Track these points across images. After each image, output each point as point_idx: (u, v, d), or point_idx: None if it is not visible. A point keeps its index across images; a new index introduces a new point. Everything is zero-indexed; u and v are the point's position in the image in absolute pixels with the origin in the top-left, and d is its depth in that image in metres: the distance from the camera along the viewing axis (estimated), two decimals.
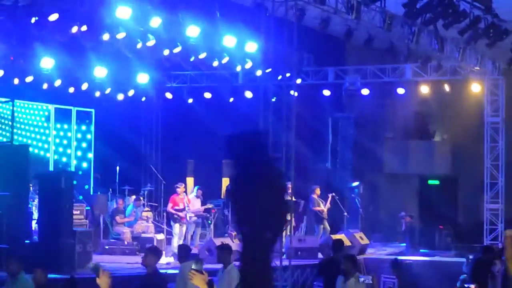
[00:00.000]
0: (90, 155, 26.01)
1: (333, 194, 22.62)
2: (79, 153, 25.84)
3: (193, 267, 6.40)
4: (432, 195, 26.80)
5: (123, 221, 21.04)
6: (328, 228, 22.09)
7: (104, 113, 25.41)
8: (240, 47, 19.84)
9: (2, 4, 15.95)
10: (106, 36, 17.43)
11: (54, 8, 15.95)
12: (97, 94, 24.29)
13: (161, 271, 16.13)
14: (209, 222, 21.32)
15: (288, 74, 18.63)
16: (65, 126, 25.59)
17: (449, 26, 18.09)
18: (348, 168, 26.58)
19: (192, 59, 20.84)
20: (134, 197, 22.31)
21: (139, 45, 18.50)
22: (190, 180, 27.34)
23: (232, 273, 11.29)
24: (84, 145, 25.93)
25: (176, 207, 19.79)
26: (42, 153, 24.87)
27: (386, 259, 19.60)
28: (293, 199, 19.25)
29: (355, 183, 26.11)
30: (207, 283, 6.57)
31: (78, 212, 19.20)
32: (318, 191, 22.60)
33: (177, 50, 19.60)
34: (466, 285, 14.97)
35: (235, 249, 19.36)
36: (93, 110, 25.93)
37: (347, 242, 19.64)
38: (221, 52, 20.77)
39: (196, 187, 22.22)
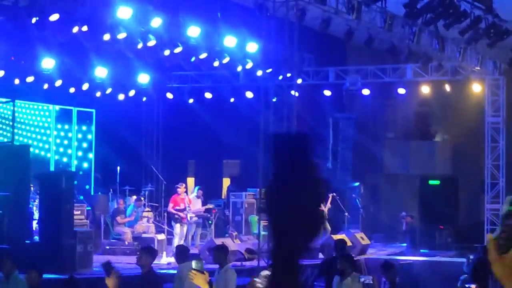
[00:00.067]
0: (91, 155, 26.02)
1: (334, 194, 22.61)
2: (79, 153, 25.85)
3: (193, 266, 6.40)
4: (432, 195, 26.78)
5: (124, 221, 21.04)
6: (329, 228, 22.09)
7: (105, 113, 25.42)
8: (240, 47, 19.84)
9: (2, 5, 15.96)
10: (106, 36, 17.44)
11: (54, 8, 15.95)
12: (98, 94, 24.30)
13: (162, 271, 16.21)
14: (210, 222, 21.32)
15: (288, 74, 18.64)
16: (66, 127, 25.60)
17: (449, 26, 18.10)
18: (348, 168, 26.58)
19: (193, 59, 20.84)
20: (135, 197, 22.31)
21: (139, 45, 18.50)
22: (190, 180, 27.36)
23: (229, 274, 11.29)
24: (84, 145, 25.94)
25: (177, 207, 19.79)
26: (43, 153, 24.88)
27: (387, 259, 19.59)
28: None
29: (356, 183, 26.11)
30: (208, 283, 6.58)
31: (79, 212, 19.20)
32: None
33: (177, 50, 19.60)
34: (466, 285, 14.95)
35: (235, 249, 19.43)
36: (94, 110, 25.94)
37: (348, 242, 19.63)
38: (221, 52, 20.77)
39: (196, 187, 22.23)
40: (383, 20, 18.39)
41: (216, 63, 21.60)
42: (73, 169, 24.74)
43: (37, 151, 24.39)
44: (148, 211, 22.15)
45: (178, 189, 20.07)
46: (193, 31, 18.00)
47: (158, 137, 27.77)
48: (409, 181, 27.62)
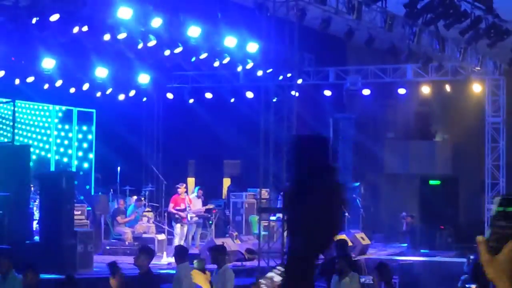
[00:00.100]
0: (91, 156, 26.02)
1: None
2: (80, 154, 25.85)
3: (195, 266, 6.42)
4: (433, 195, 26.80)
5: (125, 221, 21.05)
6: None
7: (105, 113, 25.41)
8: (241, 47, 19.85)
9: (3, 5, 15.96)
10: (107, 37, 17.45)
11: (55, 8, 15.95)
12: (98, 94, 24.30)
13: (162, 271, 16.22)
14: (210, 222, 21.32)
15: (289, 75, 18.63)
16: (66, 127, 25.60)
17: (450, 26, 18.10)
18: (349, 169, 26.56)
19: (193, 59, 20.85)
20: (135, 197, 22.31)
21: (140, 46, 18.51)
22: (191, 180, 27.37)
23: (226, 274, 11.29)
24: (85, 145, 25.94)
25: (178, 207, 19.79)
26: (43, 153, 24.89)
27: (387, 259, 19.59)
28: None
29: (356, 183, 26.11)
30: (209, 282, 6.59)
31: (79, 212, 19.19)
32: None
33: (178, 50, 19.61)
34: (467, 285, 14.95)
35: (235, 249, 19.43)
36: (94, 111, 25.94)
37: (348, 243, 19.62)
38: (222, 52, 20.78)
39: (196, 188, 22.24)
40: (383, 20, 18.39)
41: (216, 63, 21.61)
42: (74, 169, 24.74)
43: (37, 151, 24.39)
44: (148, 211, 22.16)
45: (179, 189, 20.07)
46: (193, 31, 18.00)
47: (159, 137, 27.77)
48: (409, 181, 27.63)
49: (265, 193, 18.45)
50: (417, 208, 26.94)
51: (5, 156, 17.47)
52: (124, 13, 16.31)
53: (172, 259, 17.86)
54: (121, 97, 25.12)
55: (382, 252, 23.12)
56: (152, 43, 18.45)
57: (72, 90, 23.39)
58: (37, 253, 15.28)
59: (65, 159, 25.40)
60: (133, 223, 21.13)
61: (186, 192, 20.48)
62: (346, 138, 26.58)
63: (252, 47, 19.88)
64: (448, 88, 24.53)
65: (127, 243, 20.25)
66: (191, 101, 26.29)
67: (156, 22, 17.19)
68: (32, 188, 18.61)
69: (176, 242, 19.03)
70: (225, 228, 23.05)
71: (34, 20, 15.77)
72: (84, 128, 25.96)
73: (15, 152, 18.16)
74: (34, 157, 24.04)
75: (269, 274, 9.83)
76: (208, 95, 25.91)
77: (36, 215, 18.24)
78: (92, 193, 24.44)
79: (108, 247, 20.09)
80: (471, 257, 16.73)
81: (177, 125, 26.94)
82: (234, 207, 23.28)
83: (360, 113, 26.63)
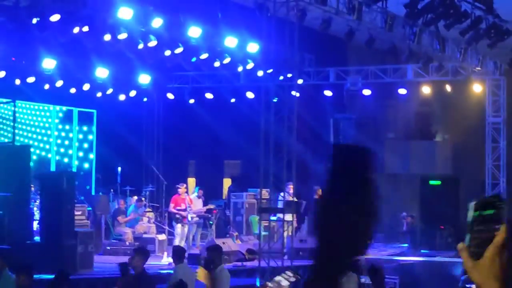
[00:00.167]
0: (92, 156, 26.03)
1: None
2: (80, 154, 25.86)
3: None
4: (433, 196, 26.74)
5: (126, 220, 21.06)
6: None
7: (105, 113, 25.42)
8: (241, 47, 19.86)
9: (3, 5, 15.97)
10: (107, 37, 17.45)
11: (55, 8, 15.96)
12: (99, 94, 24.31)
13: (163, 271, 16.23)
14: (211, 222, 21.31)
15: (289, 75, 18.63)
16: (67, 127, 25.62)
17: (450, 26, 18.10)
18: None
19: (193, 59, 20.86)
20: (135, 197, 22.32)
21: (140, 46, 18.52)
22: (191, 181, 27.38)
23: (223, 274, 11.29)
24: (85, 145, 25.95)
25: (178, 208, 19.80)
26: (43, 153, 24.90)
27: (388, 259, 19.59)
28: (295, 200, 19.26)
29: None
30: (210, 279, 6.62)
31: (80, 212, 19.20)
32: (319, 192, 22.58)
33: (178, 50, 19.61)
34: (467, 286, 14.94)
35: (236, 249, 19.43)
36: (94, 111, 25.95)
37: None
38: (222, 52, 20.79)
39: (197, 188, 22.24)
40: (383, 20, 18.39)
41: (216, 64, 21.63)
42: (74, 169, 24.76)
43: (38, 151, 24.41)
44: (149, 211, 22.17)
45: (179, 189, 20.07)
46: (194, 32, 18.01)
47: (159, 137, 27.78)
48: (409, 181, 27.61)
49: (265, 193, 18.45)
50: (417, 208, 26.91)
51: (6, 156, 17.47)
52: (125, 13, 16.31)
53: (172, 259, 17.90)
54: (122, 97, 25.13)
55: (383, 252, 23.11)
56: (152, 43, 18.46)
57: (73, 90, 23.41)
58: (37, 253, 15.28)
59: (66, 160, 25.41)
60: (134, 223, 21.14)
61: (187, 192, 20.48)
62: (346, 139, 26.57)
63: (253, 47, 19.89)
64: (448, 88, 24.53)
65: (127, 243, 20.25)
66: (192, 101, 26.30)
67: (157, 22, 17.19)
68: (33, 188, 18.62)
69: (177, 242, 19.03)
70: (226, 228, 23.04)
71: (34, 20, 15.78)
72: (85, 128, 25.98)
73: (16, 152, 18.16)
74: (34, 157, 24.08)
75: (277, 278, 9.81)
76: (209, 95, 25.92)
77: (37, 215, 18.24)
78: (93, 193, 24.45)
79: (108, 248, 20.09)
80: None
81: (177, 126, 26.95)
82: (235, 207, 23.28)
83: (360, 113, 26.64)
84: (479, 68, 22.86)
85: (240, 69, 23.34)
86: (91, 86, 23.34)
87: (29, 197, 17.77)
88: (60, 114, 25.53)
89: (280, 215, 18.52)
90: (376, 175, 2.43)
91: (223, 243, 18.73)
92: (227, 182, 28.11)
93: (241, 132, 23.88)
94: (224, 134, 25.21)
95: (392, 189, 27.58)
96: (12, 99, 20.24)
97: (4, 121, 23.34)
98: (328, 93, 25.26)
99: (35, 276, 11.37)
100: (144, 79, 24.63)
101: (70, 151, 25.57)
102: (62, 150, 25.41)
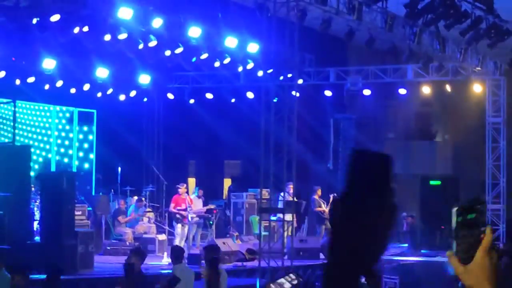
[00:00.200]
0: (92, 156, 26.02)
1: (335, 194, 22.59)
2: (80, 154, 25.86)
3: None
4: (433, 196, 26.75)
5: (126, 220, 21.07)
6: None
7: (105, 113, 25.42)
8: (241, 47, 19.85)
9: (3, 5, 15.97)
10: (107, 37, 17.45)
11: (55, 9, 15.96)
12: (99, 95, 24.30)
13: (163, 271, 16.23)
14: (211, 222, 21.31)
15: (289, 75, 18.63)
16: (67, 127, 25.61)
17: (450, 26, 18.10)
18: None
19: (193, 59, 20.86)
20: (136, 197, 22.33)
21: (140, 46, 18.52)
22: (191, 181, 27.38)
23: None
24: (86, 146, 25.94)
25: (179, 208, 19.80)
26: (44, 153, 24.90)
27: (388, 259, 19.59)
28: (295, 200, 19.27)
29: None
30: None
31: (80, 213, 19.21)
32: (319, 192, 22.62)
33: (178, 50, 19.61)
34: None
35: (236, 249, 19.44)
36: (95, 111, 25.95)
37: None
38: (222, 52, 20.79)
39: (197, 188, 22.24)
40: (384, 20, 18.39)
41: (217, 64, 21.62)
42: (74, 169, 24.76)
43: (38, 151, 24.40)
44: (149, 211, 22.17)
45: (179, 189, 20.07)
46: (194, 32, 18.01)
47: (159, 137, 27.78)
48: (409, 181, 27.59)
49: (265, 193, 18.46)
50: (418, 208, 26.92)
51: (6, 156, 17.48)
52: (125, 13, 16.31)
53: None
54: (122, 97, 25.13)
55: None
56: (152, 43, 18.46)
57: (73, 90, 23.40)
58: (37, 253, 15.28)
59: (66, 160, 25.41)
60: (134, 224, 21.14)
61: (187, 192, 20.48)
62: (346, 139, 26.59)
63: (253, 47, 19.89)
64: (448, 88, 24.52)
65: (127, 243, 20.25)
66: (192, 101, 26.30)
67: (157, 22, 17.20)
68: (33, 189, 18.63)
69: (177, 242, 19.03)
70: (226, 229, 23.05)
71: (34, 21, 15.79)
72: (85, 128, 25.97)
73: (16, 153, 18.17)
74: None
75: (280, 280, 9.84)
76: (209, 96, 25.92)
77: (37, 215, 18.25)
78: (93, 194, 24.45)
79: (109, 248, 20.09)
80: None
81: (177, 126, 26.95)
82: (235, 207, 23.29)
83: (360, 114, 26.64)
84: (479, 68, 22.85)
85: (240, 69, 23.34)
86: (91, 86, 23.34)
87: (29, 197, 17.78)
88: (60, 114, 25.53)
89: (280, 215, 18.53)
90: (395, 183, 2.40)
91: (223, 243, 18.74)
92: (227, 182, 28.12)
93: (241, 132, 23.88)
94: (224, 134, 25.21)
95: None
96: (12, 99, 20.25)
97: (4, 121, 23.34)
98: (328, 93, 25.26)
99: (35, 276, 11.39)
100: (144, 79, 24.62)
101: (70, 151, 25.57)
102: (62, 150, 25.41)
